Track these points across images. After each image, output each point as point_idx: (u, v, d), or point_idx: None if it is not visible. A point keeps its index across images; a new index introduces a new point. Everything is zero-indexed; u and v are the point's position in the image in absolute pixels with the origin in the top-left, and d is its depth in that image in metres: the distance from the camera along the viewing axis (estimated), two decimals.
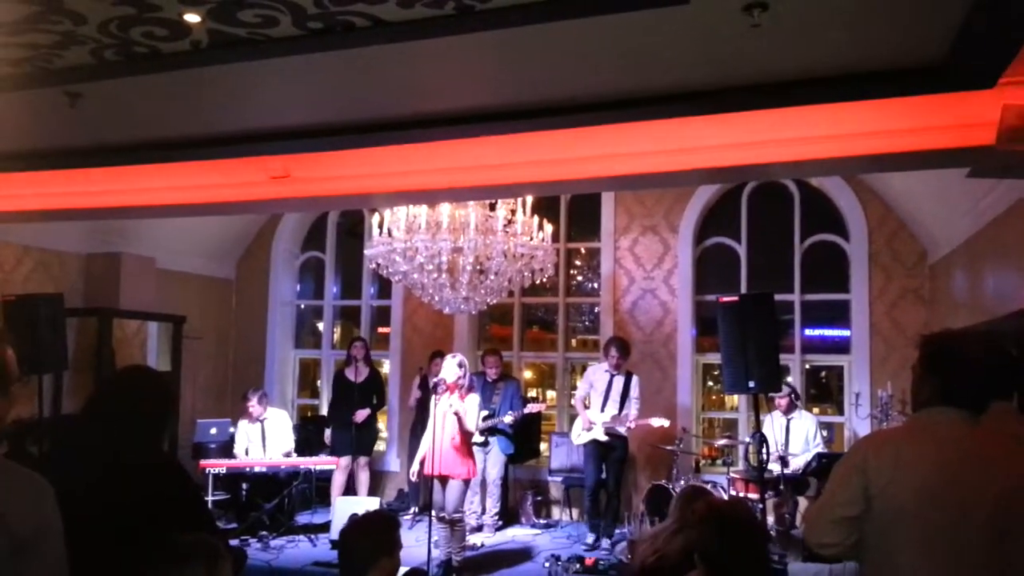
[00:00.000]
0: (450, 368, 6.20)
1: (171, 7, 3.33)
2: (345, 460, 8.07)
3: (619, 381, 7.53)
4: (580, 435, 7.57)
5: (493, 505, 7.82)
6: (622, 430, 7.45)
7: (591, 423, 7.47)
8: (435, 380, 6.28)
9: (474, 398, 6.34)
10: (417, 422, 8.18)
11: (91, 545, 2.18)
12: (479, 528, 7.69)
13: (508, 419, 7.57)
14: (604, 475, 7.47)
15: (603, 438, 7.41)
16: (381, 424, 9.56)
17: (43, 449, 6.22)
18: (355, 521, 2.99)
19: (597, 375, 7.67)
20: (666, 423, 7.41)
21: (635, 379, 7.61)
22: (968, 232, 6.26)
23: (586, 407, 7.64)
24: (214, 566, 2.24)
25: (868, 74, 3.78)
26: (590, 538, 7.47)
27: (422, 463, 6.27)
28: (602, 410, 7.50)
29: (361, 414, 8.11)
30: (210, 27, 3.52)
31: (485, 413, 7.27)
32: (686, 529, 3.12)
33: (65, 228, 7.97)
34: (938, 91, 3.82)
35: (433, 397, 6.19)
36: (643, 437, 7.93)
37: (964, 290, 6.59)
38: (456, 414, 6.10)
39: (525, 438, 8.18)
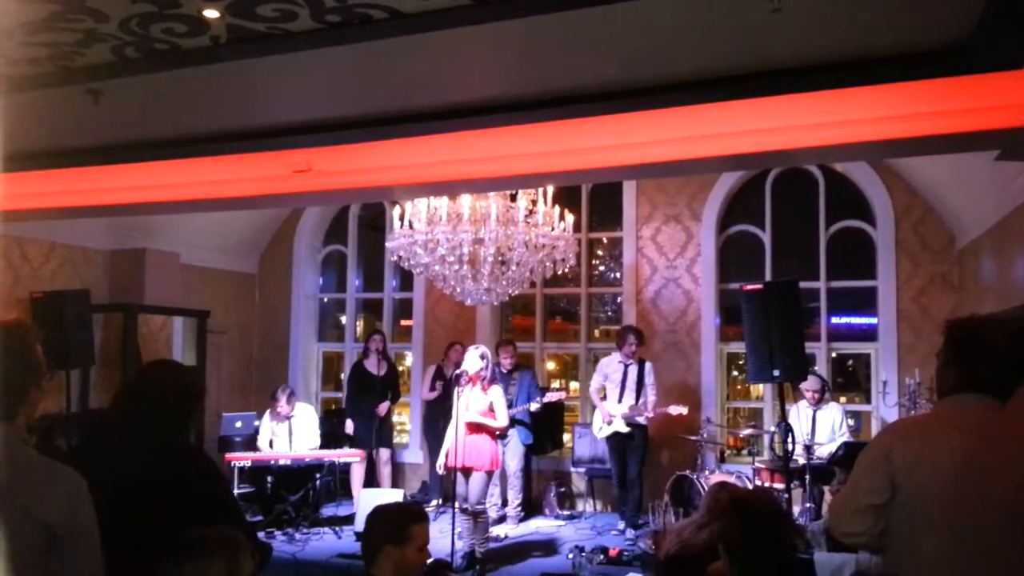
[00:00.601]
0: (472, 360, 6.20)
1: (190, 3, 3.35)
2: (363, 452, 8.11)
3: (633, 370, 7.58)
4: (602, 429, 7.61)
5: (515, 496, 7.81)
6: (641, 419, 7.49)
7: (611, 416, 7.50)
8: (458, 372, 6.29)
9: (497, 389, 6.34)
10: (439, 415, 8.16)
11: (118, 538, 2.20)
12: (502, 519, 7.70)
13: (534, 407, 7.56)
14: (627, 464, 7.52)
15: (624, 429, 7.46)
16: (405, 417, 9.61)
17: (71, 443, 6.30)
18: (370, 512, 3.02)
19: (611, 366, 7.70)
20: (684, 410, 7.41)
21: (648, 366, 7.66)
22: (997, 216, 6.16)
23: (603, 399, 7.67)
24: (234, 558, 2.24)
25: (893, 57, 3.72)
26: (621, 524, 7.52)
27: (447, 455, 6.28)
28: (619, 401, 7.54)
29: (384, 407, 8.17)
30: (229, 22, 3.54)
31: None
32: (712, 522, 3.11)
33: (90, 225, 8.05)
34: (964, 73, 3.75)
35: (456, 388, 6.19)
36: (667, 427, 7.91)
37: (993, 275, 6.49)
38: (479, 424, 6.15)
39: (547, 429, 8.18)
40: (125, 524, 2.30)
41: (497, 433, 6.39)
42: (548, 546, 7.07)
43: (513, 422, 7.59)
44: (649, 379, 7.58)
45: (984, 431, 2.24)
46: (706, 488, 6.64)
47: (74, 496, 2.00)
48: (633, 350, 7.53)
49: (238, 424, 8.51)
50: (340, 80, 4.29)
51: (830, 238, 8.32)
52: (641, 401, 7.50)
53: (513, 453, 7.74)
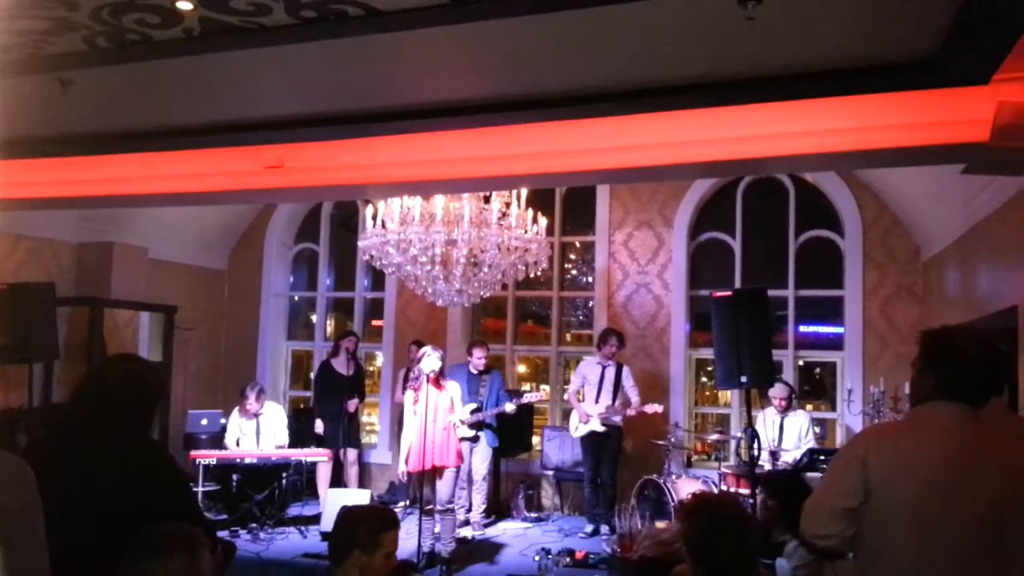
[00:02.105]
0: (434, 361, 6.21)
1: None
2: (330, 452, 8.06)
3: (610, 371, 7.67)
4: (578, 428, 7.66)
5: (481, 501, 7.64)
6: (617, 419, 7.58)
7: (588, 415, 7.56)
8: (416, 375, 6.33)
9: (455, 384, 6.54)
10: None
11: (75, 536, 2.16)
12: (466, 523, 7.66)
13: (510, 408, 7.39)
14: (600, 465, 7.60)
15: (600, 428, 7.53)
16: (374, 417, 9.57)
17: (32, 437, 6.21)
18: (342, 512, 2.99)
19: (589, 368, 7.79)
20: (659, 408, 7.53)
21: (626, 369, 7.77)
22: (961, 229, 6.27)
23: (580, 400, 7.73)
24: (193, 555, 2.22)
25: (863, 69, 3.77)
26: (589, 528, 7.53)
27: (408, 459, 6.29)
28: (596, 401, 7.62)
29: (352, 404, 8.14)
30: (202, 15, 3.50)
31: (474, 406, 7.25)
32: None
33: (57, 217, 7.93)
34: (933, 87, 3.82)
35: (411, 390, 6.33)
36: (635, 431, 7.96)
37: (957, 287, 6.60)
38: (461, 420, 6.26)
39: (516, 431, 8.16)
40: (82, 522, 2.27)
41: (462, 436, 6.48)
42: (514, 548, 7.06)
43: (482, 425, 7.55)
44: (628, 381, 7.70)
45: (959, 439, 2.26)
46: (672, 492, 6.69)
47: (23, 481, 1.96)
48: (613, 351, 7.65)
49: (204, 422, 8.42)
50: (314, 76, 4.26)
51: (799, 247, 8.42)
52: (618, 402, 7.59)
53: (482, 456, 7.57)
